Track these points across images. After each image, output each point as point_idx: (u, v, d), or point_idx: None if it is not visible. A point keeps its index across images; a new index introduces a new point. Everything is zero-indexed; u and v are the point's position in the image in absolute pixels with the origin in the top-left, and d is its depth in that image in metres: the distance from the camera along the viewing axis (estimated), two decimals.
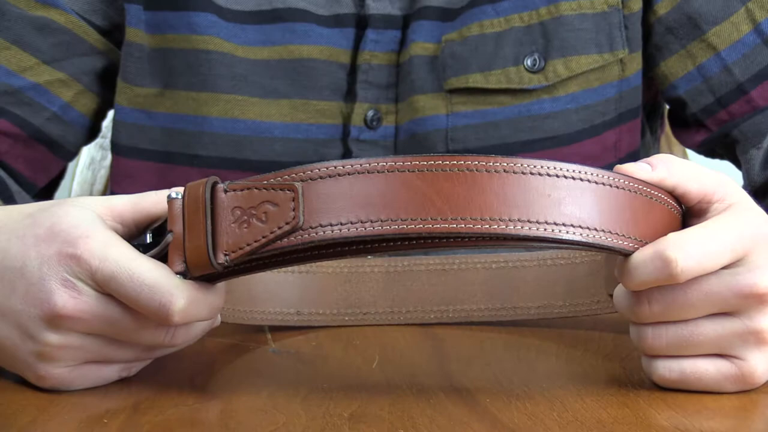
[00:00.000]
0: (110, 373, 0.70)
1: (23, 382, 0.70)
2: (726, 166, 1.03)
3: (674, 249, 0.64)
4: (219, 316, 0.73)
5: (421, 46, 0.97)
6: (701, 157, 1.06)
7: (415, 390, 0.69)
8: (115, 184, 1.04)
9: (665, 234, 0.65)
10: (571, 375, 0.73)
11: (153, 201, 0.70)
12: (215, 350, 0.78)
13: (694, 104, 0.99)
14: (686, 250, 0.64)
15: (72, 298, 0.66)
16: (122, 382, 0.70)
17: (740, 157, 0.98)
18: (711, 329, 0.66)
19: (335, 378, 0.72)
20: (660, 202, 0.67)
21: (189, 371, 0.73)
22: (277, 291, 0.82)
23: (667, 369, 0.67)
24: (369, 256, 0.65)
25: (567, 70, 0.98)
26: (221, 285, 0.68)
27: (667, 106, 1.05)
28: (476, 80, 0.97)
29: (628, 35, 0.99)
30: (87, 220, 0.68)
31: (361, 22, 0.98)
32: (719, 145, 1.01)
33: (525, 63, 0.97)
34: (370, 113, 0.97)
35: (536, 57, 0.97)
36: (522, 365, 0.75)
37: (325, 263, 0.84)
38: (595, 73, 0.99)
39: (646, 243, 0.65)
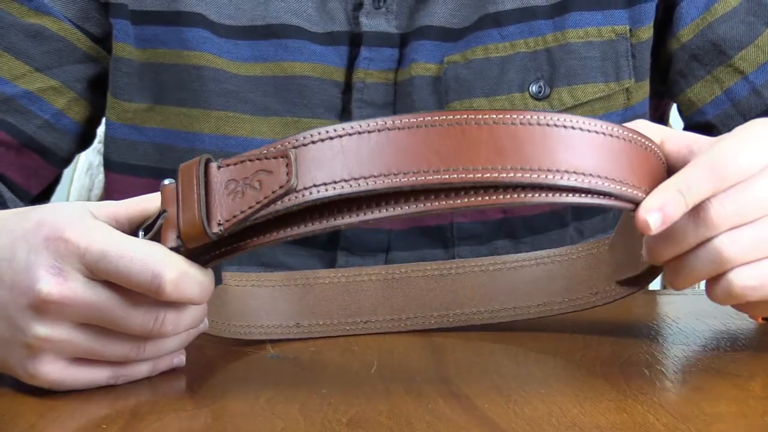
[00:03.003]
0: (100, 375, 0.70)
1: (22, 388, 0.70)
2: None
3: (714, 155, 0.66)
4: (206, 320, 0.74)
5: (422, 67, 0.96)
6: None
7: (413, 395, 0.69)
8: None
9: (660, 183, 0.66)
10: (570, 380, 0.73)
11: (148, 200, 0.71)
12: (213, 356, 0.77)
13: (725, 128, 0.99)
14: (726, 153, 0.66)
15: (58, 284, 0.66)
16: (121, 388, 0.70)
17: None
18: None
19: (334, 383, 0.72)
20: (653, 152, 0.67)
21: (187, 377, 0.73)
22: (274, 304, 0.82)
23: (747, 276, 0.68)
24: (362, 216, 0.63)
25: (572, 98, 0.97)
26: (211, 270, 0.68)
27: (680, 129, 1.05)
28: (480, 105, 0.96)
29: (635, 64, 0.98)
30: (75, 211, 0.69)
31: (356, 40, 0.97)
32: None
33: (530, 90, 0.96)
34: None
35: (542, 84, 0.96)
36: (520, 370, 0.75)
37: (321, 274, 0.84)
38: (600, 102, 0.98)
39: (645, 189, 0.65)
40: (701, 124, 1.00)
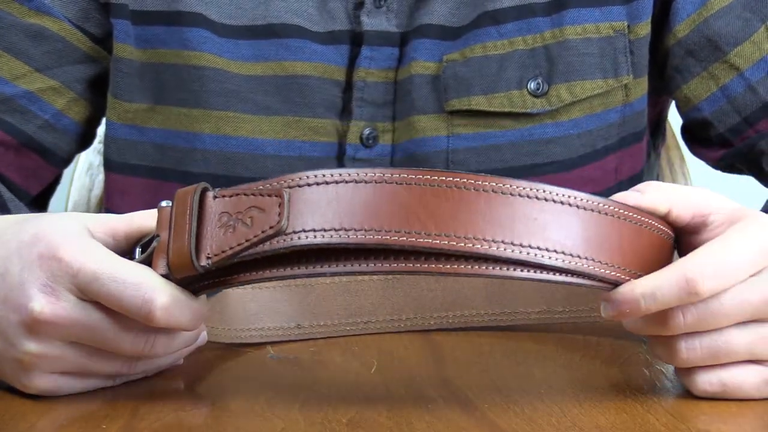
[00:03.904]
0: (94, 384, 0.70)
1: None
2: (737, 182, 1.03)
3: (695, 267, 0.64)
4: (204, 334, 0.74)
5: (421, 65, 0.96)
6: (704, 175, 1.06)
7: (413, 395, 0.69)
8: (108, 201, 1.04)
9: (653, 261, 0.66)
10: (570, 380, 0.73)
11: (146, 217, 0.70)
12: (213, 356, 0.77)
13: (721, 125, 0.99)
14: (706, 268, 0.64)
15: (50, 304, 0.66)
16: (120, 387, 0.70)
17: (767, 168, 0.98)
18: (744, 336, 0.66)
19: (334, 384, 0.72)
20: (649, 228, 0.67)
21: (187, 377, 0.73)
22: (274, 306, 0.82)
23: (707, 382, 0.67)
24: (347, 273, 0.63)
25: (570, 95, 0.97)
26: (204, 297, 0.68)
27: (679, 125, 1.05)
28: (479, 102, 0.96)
29: (634, 60, 0.98)
30: (71, 228, 0.68)
31: (356, 39, 0.96)
32: (741, 159, 1.00)
33: (528, 87, 0.96)
34: (366, 131, 0.96)
35: (540, 81, 0.96)
36: (520, 371, 0.75)
37: None
38: (598, 99, 0.98)
39: (631, 271, 0.65)
40: (698, 121, 1.00)
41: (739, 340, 0.66)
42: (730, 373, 0.67)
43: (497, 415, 0.65)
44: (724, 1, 0.97)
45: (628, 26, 0.97)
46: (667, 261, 0.67)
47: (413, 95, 0.96)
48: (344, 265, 0.63)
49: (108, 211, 1.03)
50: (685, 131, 1.04)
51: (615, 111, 0.99)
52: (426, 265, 0.63)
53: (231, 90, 0.96)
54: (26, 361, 0.67)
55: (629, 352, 0.77)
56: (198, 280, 0.66)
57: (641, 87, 1.00)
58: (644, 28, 0.98)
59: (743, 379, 0.67)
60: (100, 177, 1.33)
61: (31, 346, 0.67)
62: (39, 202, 1.04)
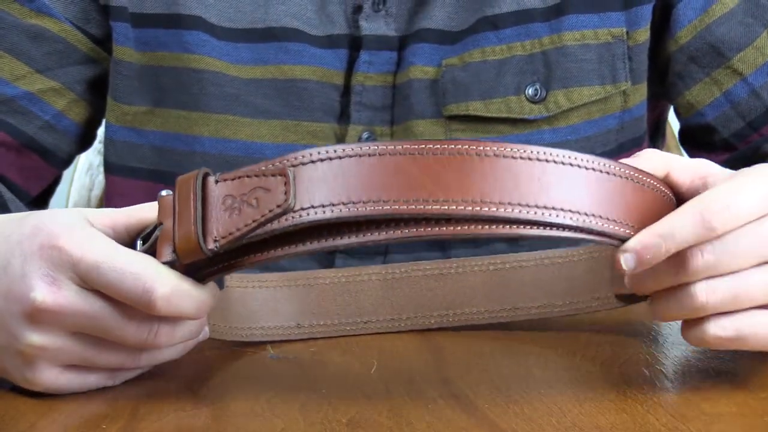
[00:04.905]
0: (96, 379, 0.70)
1: (22, 388, 0.70)
2: None
3: (709, 204, 0.64)
4: (207, 329, 0.73)
5: (420, 70, 0.96)
6: None
7: (413, 395, 0.69)
8: (108, 204, 1.04)
9: (657, 220, 0.65)
10: (570, 381, 0.73)
11: (147, 209, 0.70)
12: (213, 356, 0.78)
13: (725, 130, 0.99)
14: (719, 203, 0.64)
15: (51, 293, 0.66)
16: (120, 387, 0.70)
17: None
18: (763, 277, 0.66)
19: (334, 384, 0.72)
20: (652, 188, 0.67)
21: (187, 377, 0.73)
22: (274, 306, 0.82)
23: (721, 327, 0.66)
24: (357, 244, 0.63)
25: (568, 101, 0.97)
26: (212, 284, 0.68)
27: (677, 128, 1.05)
28: (476, 108, 0.96)
29: (632, 67, 0.98)
30: (72, 219, 0.68)
31: (355, 43, 0.97)
32: (745, 163, 1.00)
33: (526, 92, 0.96)
34: (365, 135, 0.96)
35: (538, 87, 0.96)
36: (520, 371, 0.75)
37: (321, 275, 0.84)
38: (596, 105, 0.98)
39: (636, 228, 0.65)
40: (701, 126, 1.00)
41: (759, 281, 0.66)
42: (748, 317, 0.66)
43: (497, 415, 0.65)
44: (726, 7, 0.97)
45: (627, 32, 0.97)
46: None
47: (411, 100, 0.96)
48: (355, 236, 0.63)
49: None
50: (685, 136, 1.04)
51: (613, 117, 0.99)
52: (436, 230, 0.63)
53: (230, 93, 0.96)
54: (29, 353, 0.67)
55: (629, 352, 0.77)
56: (204, 267, 0.66)
57: (640, 93, 1.00)
58: (643, 35, 0.98)
59: (759, 324, 0.66)
60: (100, 177, 1.34)
61: (34, 338, 0.67)
62: (39, 203, 1.04)
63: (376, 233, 0.63)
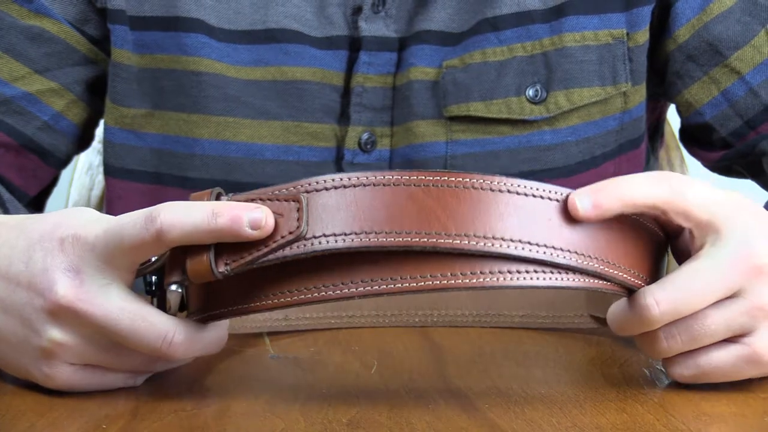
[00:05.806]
0: (115, 379, 0.70)
1: (22, 387, 0.70)
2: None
3: (655, 295, 0.67)
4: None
5: (421, 71, 0.96)
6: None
7: (413, 395, 0.69)
8: (108, 206, 1.04)
9: (652, 263, 0.68)
10: (570, 381, 0.73)
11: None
12: (213, 356, 0.77)
13: (723, 128, 0.99)
14: (666, 295, 0.66)
15: (74, 287, 0.67)
16: (121, 387, 0.70)
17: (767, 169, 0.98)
18: (719, 314, 0.67)
19: (334, 383, 0.72)
20: (648, 232, 0.68)
21: (187, 377, 0.73)
22: None
23: (685, 366, 0.69)
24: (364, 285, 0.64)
25: (569, 102, 0.97)
26: (224, 322, 0.69)
27: (676, 128, 1.05)
28: (477, 109, 0.96)
29: (632, 68, 0.98)
30: (91, 214, 0.69)
31: (355, 45, 0.97)
32: (741, 161, 1.00)
33: (527, 93, 0.96)
34: (365, 136, 0.96)
35: (538, 88, 0.96)
36: (520, 371, 0.75)
37: None
38: (597, 106, 0.98)
39: (636, 273, 0.66)
40: (699, 125, 1.00)
41: (715, 318, 0.67)
42: (705, 355, 0.68)
43: (497, 415, 0.65)
44: (724, 5, 0.97)
45: (627, 34, 0.97)
46: (661, 258, 0.70)
47: (412, 101, 0.96)
48: (370, 286, 0.63)
49: None
50: (685, 134, 1.04)
51: (613, 118, 0.99)
52: (447, 261, 0.63)
53: (230, 95, 0.96)
54: (49, 349, 0.68)
55: (629, 352, 0.77)
56: (204, 307, 0.67)
57: (639, 94, 1.00)
58: (643, 36, 0.98)
59: (718, 359, 0.68)
60: (100, 177, 1.34)
61: (55, 333, 0.67)
62: (36, 203, 1.04)
63: (392, 283, 0.63)
